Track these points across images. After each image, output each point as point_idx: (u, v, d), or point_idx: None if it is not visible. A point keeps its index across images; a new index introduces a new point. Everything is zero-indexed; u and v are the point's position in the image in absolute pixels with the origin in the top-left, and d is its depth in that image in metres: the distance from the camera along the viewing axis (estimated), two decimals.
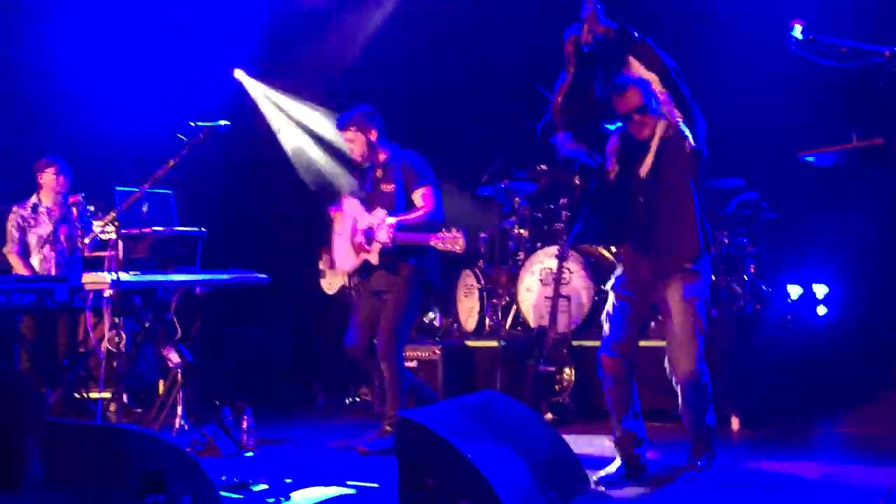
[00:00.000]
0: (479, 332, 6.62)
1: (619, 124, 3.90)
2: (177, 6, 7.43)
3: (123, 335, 5.07)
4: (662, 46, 3.71)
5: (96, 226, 4.92)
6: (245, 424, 4.98)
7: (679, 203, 3.80)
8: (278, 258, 6.71)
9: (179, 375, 4.99)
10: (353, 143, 4.88)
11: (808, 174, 5.55)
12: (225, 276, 5.09)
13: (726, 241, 6.15)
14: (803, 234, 6.69)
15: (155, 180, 4.75)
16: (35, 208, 6.02)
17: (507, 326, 6.47)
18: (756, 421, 5.13)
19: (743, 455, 4.57)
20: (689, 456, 3.97)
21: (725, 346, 5.27)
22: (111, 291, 4.54)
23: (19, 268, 5.92)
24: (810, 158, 4.36)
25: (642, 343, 5.57)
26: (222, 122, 4.75)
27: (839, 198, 6.20)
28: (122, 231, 4.73)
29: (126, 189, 5.17)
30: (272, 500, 3.85)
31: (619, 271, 4.03)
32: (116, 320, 4.74)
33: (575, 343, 5.68)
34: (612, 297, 3.98)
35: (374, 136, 4.85)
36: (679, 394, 3.89)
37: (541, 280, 6.25)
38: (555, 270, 5.91)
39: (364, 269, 4.93)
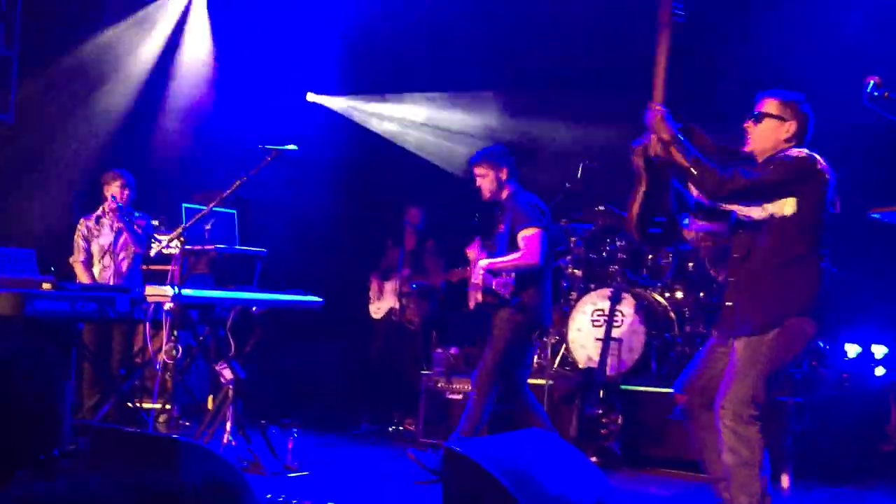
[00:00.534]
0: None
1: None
2: (252, 29, 7.64)
3: (179, 349, 5.18)
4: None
5: (162, 240, 5.05)
6: (291, 444, 5.03)
7: None
8: (334, 282, 6.80)
9: (230, 391, 5.06)
10: (483, 178, 4.99)
11: (874, 232, 5.47)
12: (281, 297, 5.18)
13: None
14: (864, 292, 6.54)
15: (221, 200, 4.88)
16: (98, 219, 6.18)
17: (556, 366, 6.44)
18: (808, 480, 5.01)
19: None
20: None
21: (780, 403, 5.17)
22: (171, 305, 4.64)
23: (83, 277, 6.08)
24: (877, 216, 4.30)
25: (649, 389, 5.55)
26: (290, 147, 4.86)
27: None
28: (186, 247, 4.85)
29: (193, 206, 5.31)
30: None
31: None
32: (174, 334, 4.84)
33: (624, 387, 5.62)
34: None
35: (503, 174, 4.95)
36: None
37: (592, 321, 6.21)
38: (607, 312, 5.88)
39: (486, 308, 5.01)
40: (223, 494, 3.07)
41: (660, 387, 5.68)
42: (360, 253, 7.69)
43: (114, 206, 6.01)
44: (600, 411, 5.46)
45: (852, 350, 6.36)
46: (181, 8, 7.65)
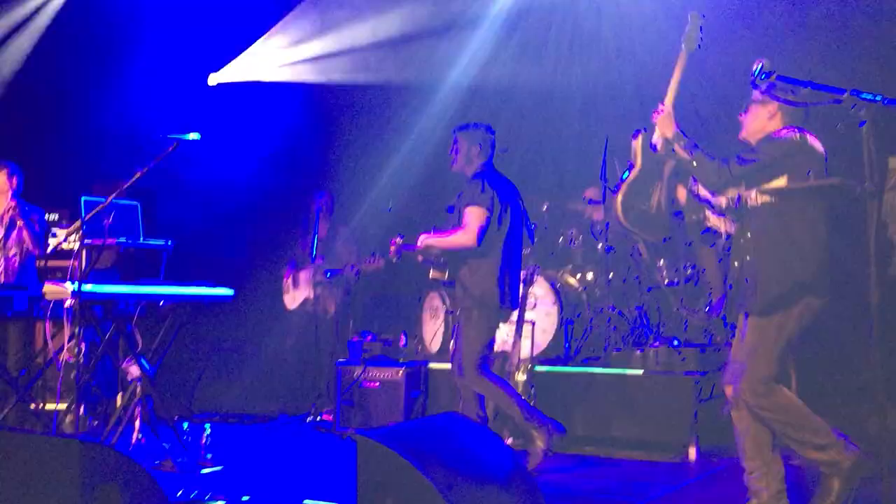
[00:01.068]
0: (442, 353, 6.63)
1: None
2: (151, 12, 7.42)
3: (83, 346, 5.02)
4: None
5: (60, 234, 4.86)
6: (203, 440, 4.93)
7: None
8: (244, 273, 6.69)
9: (139, 388, 4.93)
10: (458, 147, 4.93)
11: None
12: (189, 290, 5.06)
13: (689, 271, 6.24)
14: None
15: (122, 191, 4.72)
16: None
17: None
18: (713, 452, 5.18)
19: (699, 485, 4.62)
20: None
21: (687, 377, 5.33)
22: (72, 301, 4.48)
23: None
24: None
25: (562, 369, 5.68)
26: (193, 135, 4.74)
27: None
28: (87, 241, 4.69)
29: (93, 199, 5.13)
30: None
31: None
32: (76, 331, 4.68)
33: (537, 368, 5.71)
34: None
35: (475, 150, 4.90)
36: None
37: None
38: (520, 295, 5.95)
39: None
40: (126, 494, 2.99)
41: (572, 367, 5.79)
42: (271, 242, 7.58)
43: (13, 203, 5.76)
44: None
45: None
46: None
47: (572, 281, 6.46)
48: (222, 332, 7.50)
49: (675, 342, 5.70)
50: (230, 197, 7.94)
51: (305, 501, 4.12)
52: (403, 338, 6.86)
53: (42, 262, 5.76)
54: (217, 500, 4.05)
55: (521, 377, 5.52)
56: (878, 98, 2.83)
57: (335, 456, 5.35)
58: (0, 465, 3.37)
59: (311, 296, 6.77)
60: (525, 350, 5.87)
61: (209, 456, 4.89)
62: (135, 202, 5.59)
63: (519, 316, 5.85)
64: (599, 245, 6.49)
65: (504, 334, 6.16)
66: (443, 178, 7.27)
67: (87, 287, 4.52)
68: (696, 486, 4.61)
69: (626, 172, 3.98)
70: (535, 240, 6.47)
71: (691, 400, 5.26)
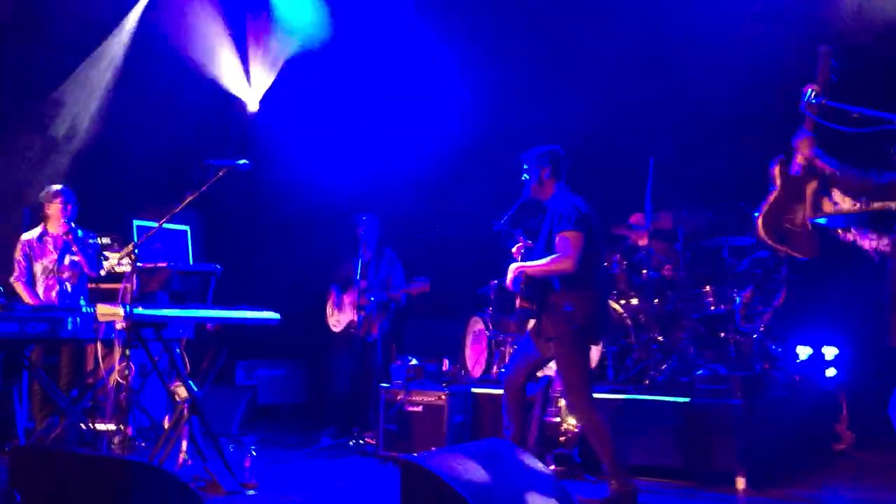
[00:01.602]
0: (485, 378, 6.62)
1: None
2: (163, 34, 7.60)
3: (132, 368, 5.10)
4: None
5: (112, 258, 4.97)
6: (249, 462, 4.97)
7: None
8: (291, 297, 6.75)
9: (186, 410, 5.00)
10: (528, 174, 4.91)
11: (821, 236, 5.58)
12: (236, 314, 5.13)
13: (737, 298, 6.16)
14: (814, 294, 6.69)
15: (172, 216, 4.82)
16: (41, 238, 6.07)
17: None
18: (762, 481, 5.09)
19: None
20: None
21: (732, 405, 5.25)
22: (123, 324, 4.57)
23: (25, 297, 5.96)
24: (822, 220, 4.41)
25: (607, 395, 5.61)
26: (242, 161, 4.82)
27: (851, 260, 6.20)
28: (138, 264, 4.79)
29: (144, 223, 5.24)
30: None
31: None
32: (126, 353, 4.77)
33: None
34: None
35: (545, 174, 4.84)
36: None
37: None
38: None
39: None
40: None
41: (616, 393, 5.73)
42: (316, 265, 7.66)
43: (65, 227, 5.92)
44: (558, 419, 5.49)
45: (804, 352, 6.48)
46: (129, 31, 7.58)
47: (616, 307, 6.42)
48: (267, 355, 7.57)
49: (722, 370, 5.62)
50: (275, 221, 8.05)
51: None
52: (447, 362, 6.87)
53: (94, 285, 5.89)
54: None
55: (562, 403, 5.49)
56: None
57: (378, 480, 5.35)
58: (53, 485, 3.45)
59: (356, 318, 6.81)
60: None
61: (253, 479, 4.93)
62: (185, 227, 5.70)
63: None
64: (644, 271, 6.44)
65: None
66: (489, 200, 7.32)
67: (138, 310, 4.60)
68: None
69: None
70: None
71: (739, 428, 5.17)
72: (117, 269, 4.90)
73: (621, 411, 5.58)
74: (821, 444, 6.16)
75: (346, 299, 7.05)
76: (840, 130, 3.48)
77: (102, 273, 5.22)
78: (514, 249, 5.04)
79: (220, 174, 4.82)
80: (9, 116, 7.03)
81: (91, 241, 6.01)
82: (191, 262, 5.50)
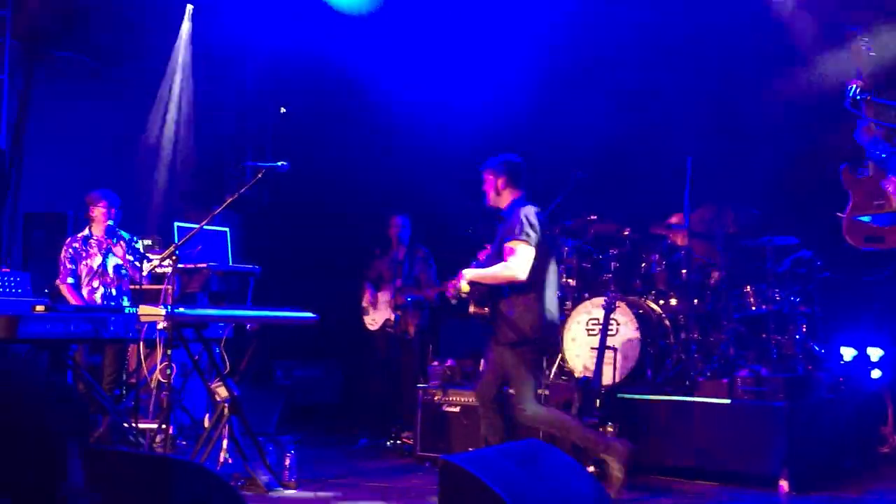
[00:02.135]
0: None
1: None
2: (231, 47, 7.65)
3: (174, 368, 5.17)
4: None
5: (154, 259, 5.04)
6: (288, 461, 5.01)
7: None
8: (328, 296, 6.78)
9: (226, 409, 5.05)
10: (486, 184, 4.97)
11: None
12: (275, 314, 5.17)
13: (778, 298, 6.07)
14: (858, 295, 6.57)
15: (212, 217, 4.88)
16: (86, 240, 6.16)
17: (552, 376, 6.43)
18: (806, 484, 5.00)
19: None
20: None
21: (776, 407, 5.17)
22: (165, 324, 4.63)
23: (70, 298, 6.06)
24: (866, 218, 4.33)
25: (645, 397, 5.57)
26: (281, 163, 4.86)
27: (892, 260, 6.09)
28: (179, 265, 4.85)
29: (185, 225, 5.30)
30: None
31: None
32: (168, 353, 4.83)
33: (620, 395, 5.62)
34: None
35: (501, 183, 4.89)
36: None
37: (587, 330, 6.21)
38: (602, 321, 5.88)
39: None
40: None
41: (656, 394, 5.68)
42: (351, 264, 7.68)
43: (109, 230, 6.01)
44: (597, 420, 5.44)
45: (848, 353, 6.37)
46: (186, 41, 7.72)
47: (655, 307, 6.35)
48: (304, 354, 7.62)
49: (763, 371, 5.54)
50: (312, 220, 8.09)
51: None
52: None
53: (137, 286, 5.98)
54: None
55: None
56: None
57: (416, 481, 5.36)
58: (96, 483, 3.49)
59: (392, 317, 6.84)
60: (607, 377, 5.80)
61: (293, 478, 4.97)
62: (225, 228, 5.76)
63: (601, 343, 5.79)
64: (683, 271, 6.36)
65: (585, 361, 6.10)
66: (528, 198, 7.30)
67: (180, 310, 4.66)
68: None
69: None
70: (617, 265, 6.40)
71: (782, 430, 5.10)
72: (159, 271, 4.97)
73: (661, 413, 5.53)
74: (866, 446, 6.04)
75: (382, 298, 7.07)
76: (887, 126, 3.42)
77: (144, 274, 5.29)
78: (481, 255, 5.07)
79: (259, 175, 4.86)
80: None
81: (134, 243, 6.10)
82: (230, 263, 5.55)
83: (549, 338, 4.86)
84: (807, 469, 5.09)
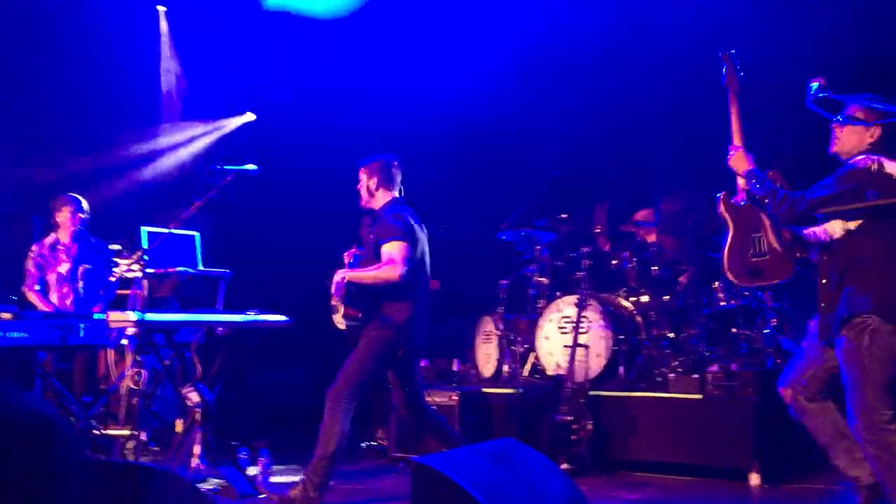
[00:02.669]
0: (496, 378, 6.62)
1: None
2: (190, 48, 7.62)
3: (144, 373, 5.13)
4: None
5: (122, 264, 4.99)
6: (261, 465, 4.99)
7: None
8: (300, 298, 6.74)
9: (198, 415, 5.01)
10: (360, 184, 4.83)
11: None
12: (246, 318, 5.14)
13: (746, 293, 6.14)
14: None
15: (181, 221, 4.84)
16: (53, 246, 6.09)
17: (525, 374, 6.47)
18: (776, 476, 5.07)
19: None
20: None
21: (746, 401, 5.24)
22: (135, 330, 4.59)
23: (39, 305, 5.99)
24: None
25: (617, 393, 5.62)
26: (250, 166, 4.83)
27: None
28: (148, 270, 4.80)
29: (152, 229, 5.26)
30: None
31: None
32: (138, 358, 4.79)
33: (592, 393, 5.66)
34: None
35: (373, 183, 4.77)
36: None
37: (559, 328, 6.25)
38: (574, 318, 5.92)
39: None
40: None
41: (628, 391, 5.72)
42: (322, 265, 7.64)
43: (76, 236, 5.94)
44: (570, 418, 5.48)
45: None
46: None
47: (627, 304, 6.40)
48: (277, 357, 7.57)
49: (733, 366, 5.60)
50: (279, 222, 8.05)
51: None
52: (457, 362, 6.87)
53: (104, 292, 5.92)
54: None
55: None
56: None
57: (390, 481, 5.36)
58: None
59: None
60: (580, 374, 5.83)
61: (266, 482, 4.95)
62: (194, 232, 5.72)
63: (574, 340, 5.82)
64: (654, 268, 6.42)
65: (558, 359, 6.13)
66: (499, 200, 7.32)
67: (149, 315, 4.62)
68: None
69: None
70: (589, 262, 6.44)
71: (752, 424, 5.16)
72: (127, 276, 4.92)
73: (633, 409, 5.58)
74: None
75: None
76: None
77: (113, 280, 5.24)
78: (345, 255, 4.99)
79: (228, 179, 4.83)
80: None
81: (102, 248, 6.04)
82: (200, 267, 5.51)
83: (413, 338, 4.68)
84: (777, 461, 5.16)
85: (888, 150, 3.62)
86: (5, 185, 7.02)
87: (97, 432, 5.48)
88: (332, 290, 4.72)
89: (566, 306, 6.24)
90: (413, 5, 7.72)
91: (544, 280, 6.67)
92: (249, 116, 8.31)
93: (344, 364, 4.63)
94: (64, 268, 6.06)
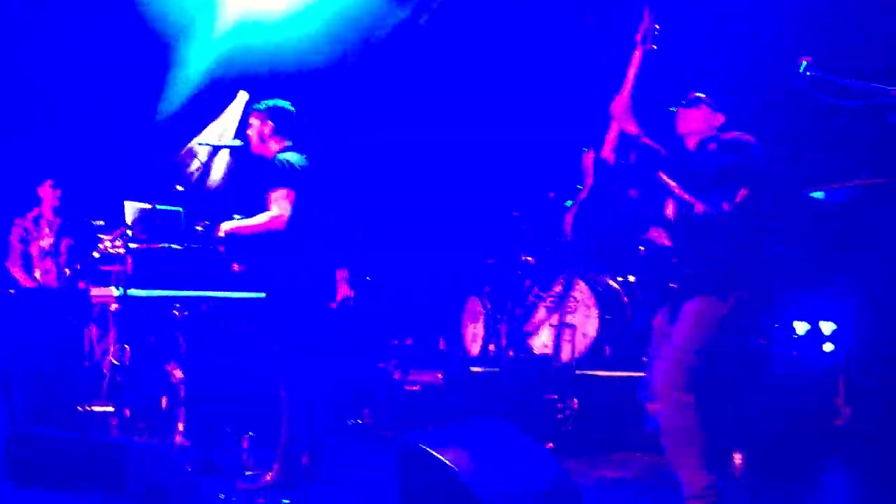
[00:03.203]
0: (483, 357, 6.62)
1: None
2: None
3: (128, 349, 5.09)
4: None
5: (105, 239, 4.95)
6: (246, 443, 4.96)
7: None
8: (283, 274, 6.71)
9: (182, 391, 4.99)
10: (251, 129, 4.57)
11: (819, 211, 5.56)
12: (232, 294, 5.11)
13: None
14: (812, 269, 6.67)
15: (167, 197, 4.79)
16: (37, 220, 6.03)
17: (512, 353, 6.46)
18: (759, 458, 5.10)
19: (745, 491, 4.54)
20: None
21: (729, 380, 5.25)
22: (117, 305, 4.55)
23: (23, 280, 5.94)
24: (819, 195, 4.38)
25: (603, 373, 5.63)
26: (236, 142, 4.78)
27: (849, 234, 6.19)
28: (131, 245, 4.76)
29: (136, 204, 5.21)
30: None
31: None
32: (121, 334, 4.75)
33: (579, 372, 5.66)
34: None
35: (267, 129, 4.51)
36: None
37: (546, 308, 6.24)
38: (562, 298, 5.92)
39: None
40: (172, 497, 3.03)
41: (614, 370, 5.74)
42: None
43: (59, 210, 5.89)
44: (556, 397, 5.49)
45: (801, 328, 6.47)
46: None
47: (614, 284, 6.40)
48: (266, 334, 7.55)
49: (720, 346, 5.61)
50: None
51: None
52: (444, 341, 6.87)
53: (88, 267, 5.87)
54: None
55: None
56: None
57: (377, 459, 5.35)
58: (49, 468, 3.44)
59: (351, 294, 6.80)
60: (566, 354, 5.84)
61: (251, 460, 4.93)
62: (179, 207, 5.67)
63: (560, 320, 5.83)
64: (642, 248, 6.41)
65: (545, 339, 6.14)
66: (485, 179, 7.29)
67: (132, 291, 4.58)
68: (740, 491, 4.53)
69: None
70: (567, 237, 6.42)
71: (736, 405, 5.18)
72: (111, 251, 4.88)
73: (619, 388, 5.59)
74: (819, 419, 6.16)
75: (338, 275, 7.02)
76: (835, 103, 3.44)
77: (97, 255, 5.18)
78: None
79: (214, 155, 4.78)
80: None
81: (86, 223, 5.98)
82: (185, 242, 5.45)
83: (322, 285, 4.52)
84: (760, 442, 5.19)
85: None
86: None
87: (80, 409, 5.45)
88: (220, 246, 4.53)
89: (553, 286, 6.24)
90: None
91: (531, 260, 6.66)
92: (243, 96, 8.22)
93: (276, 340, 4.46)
94: (47, 242, 6.00)
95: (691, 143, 3.73)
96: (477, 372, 6.13)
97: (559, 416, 5.48)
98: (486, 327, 6.70)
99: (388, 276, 7.00)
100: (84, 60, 7.12)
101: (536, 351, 6.23)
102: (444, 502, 3.25)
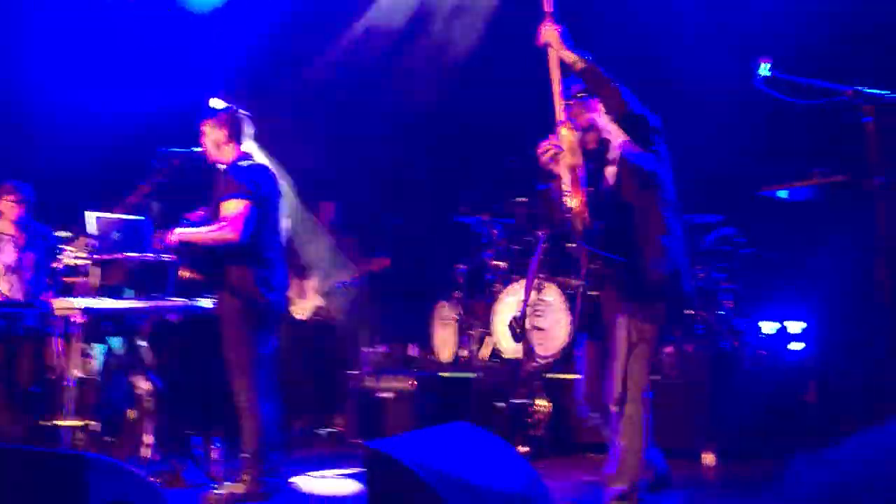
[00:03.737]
0: (454, 363, 6.60)
1: None
2: (157, 30, 7.47)
3: (93, 362, 5.02)
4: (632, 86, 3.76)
5: (68, 251, 4.87)
6: (215, 455, 4.91)
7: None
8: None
9: (148, 403, 4.92)
10: (205, 137, 4.51)
11: (786, 210, 5.60)
12: (198, 304, 5.05)
13: (702, 275, 6.18)
14: (780, 269, 6.72)
15: (129, 206, 4.73)
16: None
17: (483, 358, 6.45)
18: (729, 456, 5.12)
19: (716, 491, 4.55)
20: None
21: (700, 382, 5.27)
22: (82, 317, 4.49)
23: None
24: (783, 194, 4.42)
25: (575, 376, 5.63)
26: (197, 149, 4.72)
27: (815, 234, 6.25)
28: (95, 256, 4.69)
29: (98, 214, 5.14)
30: None
31: None
32: (87, 347, 4.68)
33: (549, 375, 5.66)
34: None
35: (222, 136, 4.45)
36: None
37: (517, 312, 6.23)
38: (531, 303, 5.91)
39: None
40: None
41: None
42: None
43: (21, 224, 5.79)
44: (527, 400, 5.48)
45: (768, 327, 6.52)
46: None
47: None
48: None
49: (689, 347, 5.64)
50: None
51: None
52: (415, 348, 6.85)
53: (51, 280, 5.78)
54: None
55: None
56: (883, 94, 2.78)
57: (348, 468, 5.31)
58: (9, 482, 3.36)
59: (322, 304, 6.78)
60: (537, 358, 5.83)
61: (220, 471, 4.87)
62: (143, 217, 5.60)
63: (530, 324, 5.82)
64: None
65: (516, 343, 6.12)
66: (454, 185, 7.28)
67: (97, 302, 4.51)
68: (714, 490, 4.55)
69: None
70: (547, 245, 6.43)
71: (707, 405, 5.20)
72: (73, 262, 4.80)
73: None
74: (790, 417, 6.20)
75: (309, 285, 6.99)
76: (794, 103, 3.47)
77: (59, 267, 5.10)
78: (189, 215, 4.65)
79: (176, 162, 4.73)
80: None
81: (48, 235, 5.89)
82: (150, 253, 5.39)
83: (274, 303, 4.43)
84: (731, 441, 5.21)
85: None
86: None
87: (45, 423, 5.36)
88: (172, 252, 4.49)
89: (523, 290, 6.22)
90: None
91: (502, 264, 6.65)
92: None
93: (225, 357, 4.43)
94: (10, 257, 5.89)
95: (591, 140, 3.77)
96: (448, 377, 6.11)
97: (530, 419, 5.47)
98: (457, 333, 6.68)
99: (358, 283, 6.96)
100: (40, 69, 7.04)
101: (507, 356, 6.22)
102: None
